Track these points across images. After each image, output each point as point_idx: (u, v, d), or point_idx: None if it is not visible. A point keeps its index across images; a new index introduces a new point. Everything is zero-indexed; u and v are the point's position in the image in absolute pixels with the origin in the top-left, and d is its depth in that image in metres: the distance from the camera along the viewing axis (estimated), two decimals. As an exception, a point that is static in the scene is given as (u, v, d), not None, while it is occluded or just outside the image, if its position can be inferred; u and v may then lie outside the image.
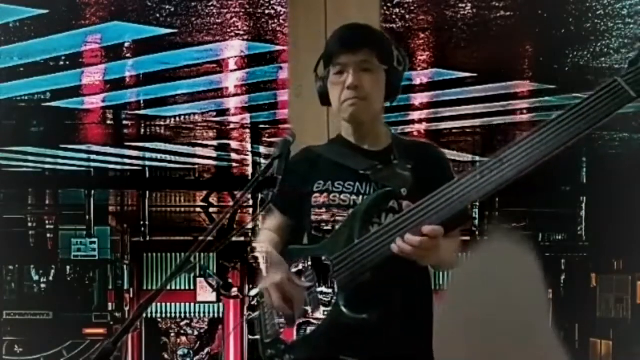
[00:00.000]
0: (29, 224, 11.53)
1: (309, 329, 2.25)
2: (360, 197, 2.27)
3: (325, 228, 2.30)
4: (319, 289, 2.23)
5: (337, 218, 2.28)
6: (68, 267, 11.09)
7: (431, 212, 2.04)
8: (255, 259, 2.31)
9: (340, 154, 2.34)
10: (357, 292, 2.18)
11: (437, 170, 2.28)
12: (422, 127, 8.18)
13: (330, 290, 2.21)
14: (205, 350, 12.75)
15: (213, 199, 11.61)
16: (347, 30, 2.35)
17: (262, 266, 2.27)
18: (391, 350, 2.22)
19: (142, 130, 8.19)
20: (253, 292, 2.43)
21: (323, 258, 2.24)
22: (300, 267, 2.29)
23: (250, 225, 2.47)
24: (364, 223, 2.20)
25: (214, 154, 9.56)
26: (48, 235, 11.43)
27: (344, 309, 2.17)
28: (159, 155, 9.37)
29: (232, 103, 7.24)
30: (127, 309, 11.53)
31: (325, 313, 2.21)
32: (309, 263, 2.28)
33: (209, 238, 2.13)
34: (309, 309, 2.24)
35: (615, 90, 1.81)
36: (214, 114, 7.41)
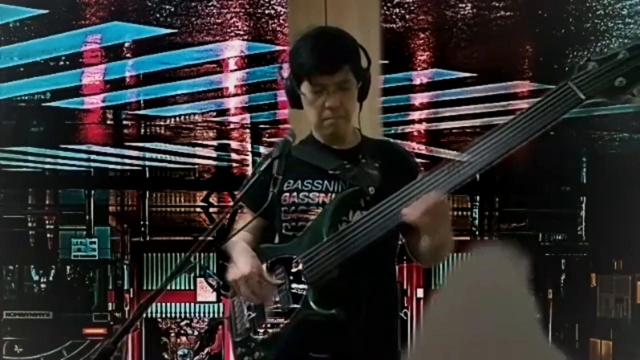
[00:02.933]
0: (29, 224, 11.53)
1: (280, 326, 2.29)
2: (329, 195, 2.32)
3: (296, 226, 2.35)
4: (295, 287, 2.27)
5: (307, 216, 2.33)
6: (68, 267, 11.10)
7: (398, 210, 2.13)
8: (226, 256, 2.33)
9: (309, 154, 2.38)
10: (326, 289, 2.24)
11: (403, 169, 2.33)
12: (422, 127, 8.19)
13: (302, 287, 2.26)
14: (205, 350, 12.75)
15: (213, 199, 11.61)
16: (323, 46, 2.31)
17: (233, 259, 2.30)
18: (359, 346, 2.26)
19: (142, 130, 8.19)
20: (231, 291, 2.45)
21: (294, 256, 2.29)
22: (270, 265, 2.33)
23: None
24: (333, 221, 2.26)
25: (214, 154, 9.56)
26: (48, 235, 11.43)
27: (313, 305, 2.23)
28: (159, 155, 9.37)
29: (232, 103, 7.24)
30: (127, 309, 11.54)
31: (296, 310, 2.26)
32: (283, 262, 2.32)
33: (209, 238, 2.15)
34: (279, 306, 2.29)
35: (566, 92, 1.96)
36: (214, 114, 7.41)
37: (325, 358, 2.28)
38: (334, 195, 2.32)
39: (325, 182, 2.34)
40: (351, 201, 2.29)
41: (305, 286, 2.26)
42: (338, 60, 2.29)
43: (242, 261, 2.29)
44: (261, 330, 2.32)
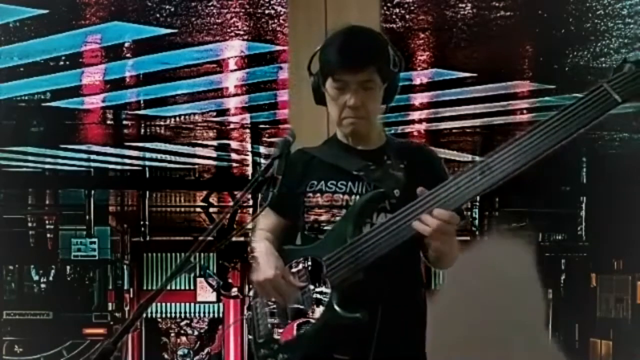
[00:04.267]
0: (29, 224, 11.53)
1: (303, 329, 2.26)
2: (353, 196, 2.28)
3: (319, 228, 2.32)
4: (318, 289, 2.25)
5: (331, 218, 2.30)
6: (68, 267, 11.11)
7: (425, 212, 2.09)
8: (254, 258, 2.31)
9: (333, 155, 2.35)
10: (350, 292, 2.20)
11: (429, 171, 2.29)
12: (422, 127, 8.19)
13: (325, 290, 2.23)
14: (205, 350, 12.75)
15: (213, 199, 11.61)
16: (350, 44, 2.28)
17: (257, 260, 2.29)
18: (384, 349, 2.23)
19: (142, 130, 8.19)
20: (253, 292, 2.44)
21: (317, 258, 2.26)
22: (294, 267, 2.31)
23: (250, 225, 2.45)
24: (357, 223, 2.23)
25: (214, 154, 9.56)
26: (48, 235, 11.44)
27: (337, 308, 2.19)
28: (159, 155, 9.37)
29: (232, 103, 7.24)
30: (127, 309, 11.55)
31: (320, 313, 2.24)
32: (308, 263, 2.30)
33: (209, 238, 2.14)
34: (302, 308, 2.26)
35: (601, 95, 1.88)
36: (214, 114, 7.41)
37: (346, 359, 2.26)
38: (357, 197, 2.28)
39: (350, 183, 2.30)
40: (375, 203, 2.25)
41: (328, 289, 2.23)
42: (363, 59, 2.25)
43: (268, 263, 2.26)
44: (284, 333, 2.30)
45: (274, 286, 2.23)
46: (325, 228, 2.30)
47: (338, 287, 2.21)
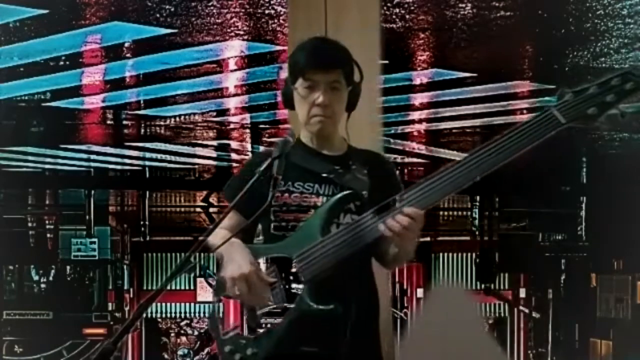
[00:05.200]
0: (29, 224, 11.53)
1: (272, 323, 2.37)
2: (320, 197, 2.43)
3: (286, 227, 2.43)
4: (287, 285, 2.36)
5: (298, 217, 2.42)
6: (68, 267, 11.11)
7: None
8: (224, 254, 2.36)
9: (299, 157, 2.45)
10: (321, 286, 2.33)
11: (387, 179, 2.49)
12: (422, 127, 8.19)
13: (296, 286, 2.35)
14: (205, 350, 12.75)
15: (213, 199, 11.61)
16: (321, 47, 2.48)
17: (231, 255, 2.35)
18: (351, 339, 2.34)
19: (142, 130, 8.19)
20: (215, 288, 2.52)
21: (287, 255, 2.37)
22: (262, 264, 2.40)
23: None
24: (327, 222, 2.37)
25: (214, 154, 9.56)
26: (48, 235, 11.44)
27: (310, 302, 2.32)
28: (159, 155, 9.37)
29: (232, 103, 7.24)
30: (127, 309, 11.55)
31: (292, 307, 2.34)
32: (276, 261, 2.39)
33: (209, 238, 2.15)
34: (271, 303, 2.36)
35: (548, 117, 2.19)
36: (214, 114, 7.41)
37: (315, 351, 2.36)
38: (324, 198, 2.42)
39: (316, 185, 2.44)
40: (345, 204, 2.39)
41: (300, 284, 2.34)
42: (332, 60, 2.44)
43: (243, 258, 2.34)
44: (254, 328, 2.38)
45: (247, 282, 2.31)
46: (292, 225, 2.42)
47: (309, 282, 2.34)
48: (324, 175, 2.45)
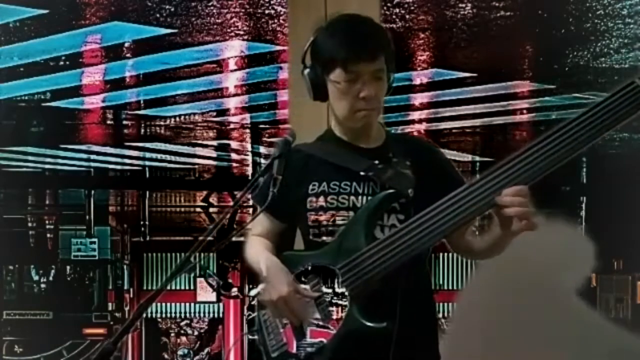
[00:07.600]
0: (29, 224, 11.53)
1: (323, 340, 2.15)
2: (359, 197, 2.17)
3: (324, 232, 2.20)
4: (332, 299, 2.14)
5: (337, 221, 2.18)
6: (68, 267, 11.10)
7: (447, 217, 2.04)
8: (261, 274, 2.18)
9: (333, 153, 2.23)
10: (370, 301, 2.10)
11: (436, 167, 2.24)
12: (422, 127, 8.19)
13: (343, 298, 2.12)
14: (205, 350, 12.74)
15: (213, 199, 11.61)
16: (361, 32, 2.19)
17: (265, 278, 2.17)
18: (406, 355, 2.15)
19: (142, 130, 8.20)
20: (253, 292, 2.31)
21: (329, 266, 2.14)
22: (302, 276, 2.18)
23: (250, 226, 2.38)
24: (369, 227, 2.13)
25: (214, 154, 9.56)
26: (48, 235, 11.43)
27: (361, 319, 2.08)
28: (159, 155, 9.37)
29: (232, 103, 7.24)
30: (127, 309, 11.53)
31: (340, 323, 2.12)
32: (317, 271, 2.18)
33: (209, 238, 2.11)
34: (319, 319, 2.14)
35: (634, 91, 1.82)
36: (214, 114, 7.41)
37: None
38: (364, 197, 2.16)
39: (354, 183, 2.18)
40: (388, 204, 2.14)
41: (347, 298, 2.10)
42: (376, 46, 2.16)
43: (279, 279, 2.13)
44: (302, 346, 2.17)
45: (288, 304, 2.11)
46: (331, 230, 2.18)
47: (357, 296, 2.09)
48: (362, 173, 2.16)
